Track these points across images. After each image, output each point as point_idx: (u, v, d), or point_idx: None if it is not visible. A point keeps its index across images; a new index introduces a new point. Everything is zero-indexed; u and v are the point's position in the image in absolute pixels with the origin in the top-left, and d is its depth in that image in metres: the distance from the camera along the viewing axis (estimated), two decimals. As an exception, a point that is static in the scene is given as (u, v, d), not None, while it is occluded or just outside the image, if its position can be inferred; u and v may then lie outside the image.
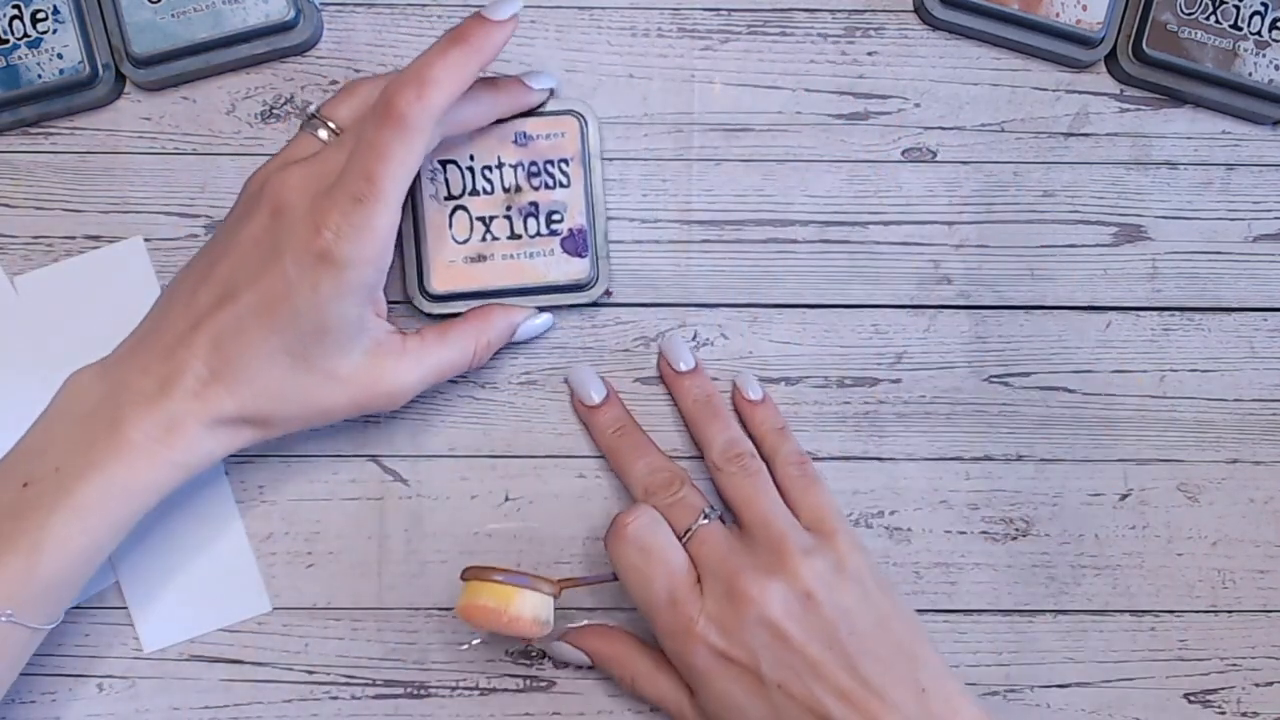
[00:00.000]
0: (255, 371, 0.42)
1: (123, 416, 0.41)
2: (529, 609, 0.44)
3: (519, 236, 0.49)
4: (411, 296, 0.49)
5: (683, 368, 0.49)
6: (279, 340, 0.42)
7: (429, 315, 0.49)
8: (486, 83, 0.47)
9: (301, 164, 0.43)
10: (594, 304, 0.50)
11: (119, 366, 0.43)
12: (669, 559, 0.45)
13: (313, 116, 0.45)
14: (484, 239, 0.49)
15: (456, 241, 0.49)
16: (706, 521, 0.46)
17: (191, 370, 0.42)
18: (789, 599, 0.43)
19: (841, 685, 0.42)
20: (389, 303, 0.47)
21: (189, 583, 0.49)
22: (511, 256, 0.49)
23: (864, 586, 0.44)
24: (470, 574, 0.45)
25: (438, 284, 0.49)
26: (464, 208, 0.49)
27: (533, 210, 0.49)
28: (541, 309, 0.49)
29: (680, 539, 0.45)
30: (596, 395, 0.49)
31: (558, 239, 0.49)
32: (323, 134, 0.44)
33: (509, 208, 0.49)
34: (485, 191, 0.49)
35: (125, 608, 0.49)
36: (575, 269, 0.49)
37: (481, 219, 0.49)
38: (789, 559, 0.44)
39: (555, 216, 0.49)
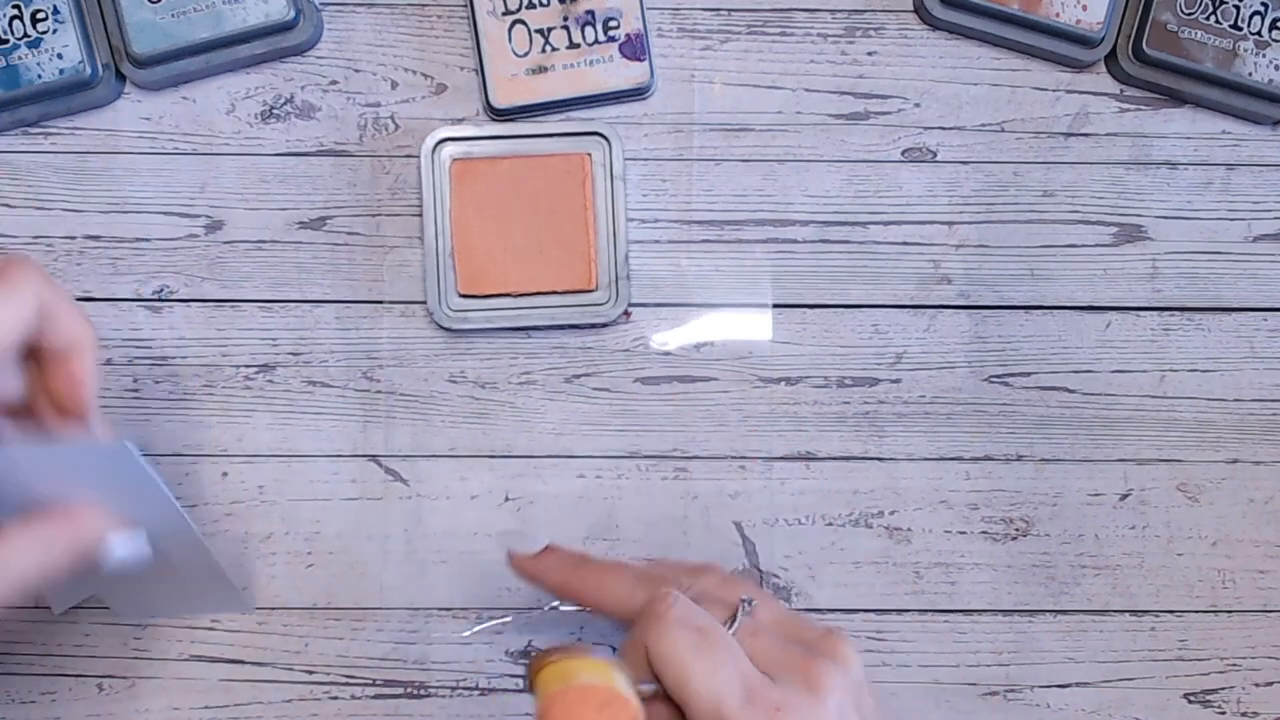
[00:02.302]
0: None
1: None
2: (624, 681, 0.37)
3: (578, 45, 0.50)
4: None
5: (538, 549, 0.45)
6: None
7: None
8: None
9: None
10: (610, 323, 0.50)
11: None
12: (730, 642, 0.39)
13: None
14: (544, 50, 0.49)
15: (516, 55, 0.49)
16: (749, 607, 0.41)
17: None
18: (855, 690, 0.40)
19: None
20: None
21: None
22: (572, 66, 0.50)
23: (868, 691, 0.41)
24: (547, 662, 0.37)
25: (501, 98, 0.50)
26: (522, 21, 0.49)
27: (589, 18, 0.49)
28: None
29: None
30: (537, 546, 0.45)
31: (616, 44, 0.50)
32: None
33: (566, 18, 0.49)
34: (541, 4, 0.49)
35: (125, 608, 0.49)
36: (635, 73, 0.50)
37: (540, 31, 0.49)
38: (841, 646, 0.40)
39: (612, 23, 0.49)
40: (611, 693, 0.34)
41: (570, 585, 0.44)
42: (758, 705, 0.37)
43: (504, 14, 0.50)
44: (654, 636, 0.38)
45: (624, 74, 0.50)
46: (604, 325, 0.50)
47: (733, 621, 0.40)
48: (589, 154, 0.49)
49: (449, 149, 0.50)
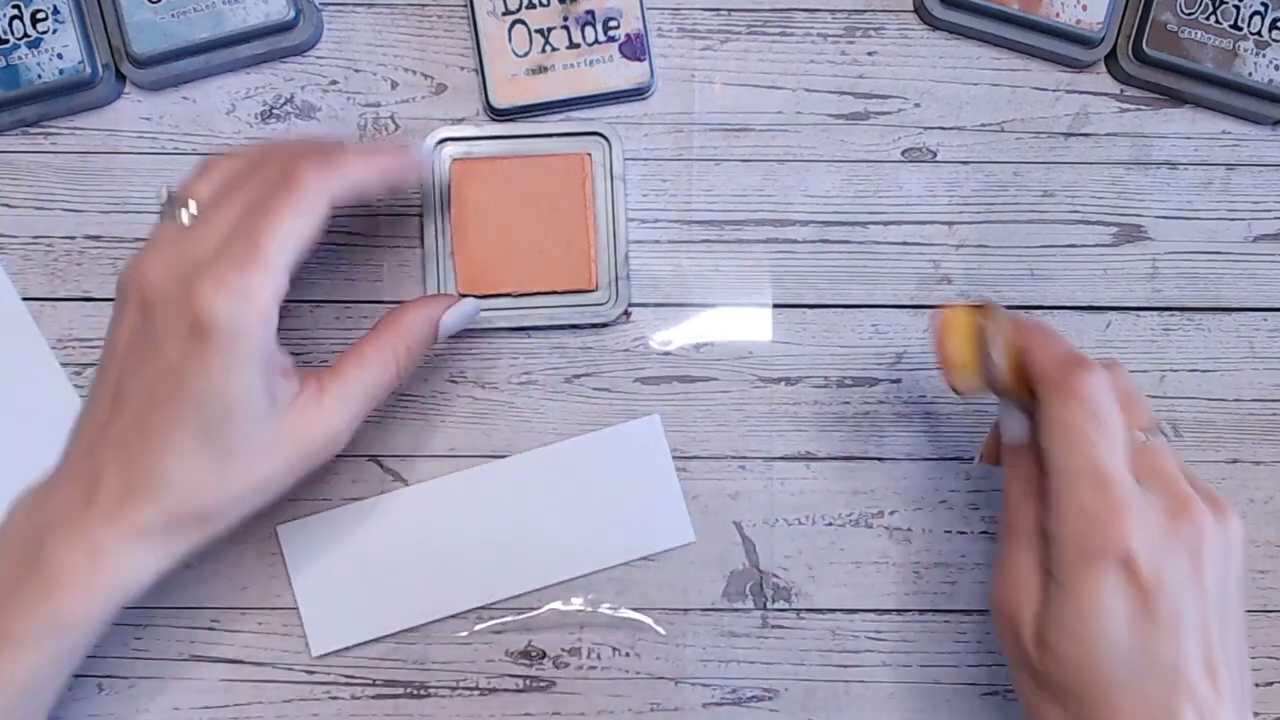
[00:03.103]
0: (171, 471, 0.39)
1: (43, 546, 0.39)
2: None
3: (578, 45, 0.49)
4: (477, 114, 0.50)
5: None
6: (187, 433, 0.39)
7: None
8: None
9: (163, 250, 0.40)
10: (610, 323, 0.50)
11: (44, 490, 0.41)
12: (1120, 440, 0.39)
13: (172, 199, 0.41)
14: (543, 50, 0.49)
15: (516, 55, 0.49)
16: (1164, 437, 0.41)
17: (104, 486, 0.39)
18: (1225, 547, 0.39)
19: (1208, 657, 0.38)
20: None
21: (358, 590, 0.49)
22: (572, 66, 0.50)
23: (1242, 578, 0.41)
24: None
25: (501, 98, 0.50)
26: (522, 21, 0.49)
27: (589, 18, 0.49)
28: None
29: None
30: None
31: (616, 44, 0.50)
32: (184, 217, 0.41)
33: (566, 18, 0.49)
34: (541, 4, 0.49)
35: (125, 608, 0.49)
36: (635, 73, 0.50)
37: (540, 31, 0.49)
38: (1226, 509, 0.40)
39: (612, 23, 0.49)
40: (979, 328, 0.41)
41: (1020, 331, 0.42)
42: (1107, 495, 0.38)
43: (504, 14, 0.50)
44: (1050, 402, 0.39)
45: (624, 74, 0.50)
46: (604, 325, 0.50)
47: (1145, 433, 0.40)
48: (589, 154, 0.49)
49: (449, 149, 0.50)
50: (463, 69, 0.51)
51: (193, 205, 0.41)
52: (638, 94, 0.51)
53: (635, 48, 0.50)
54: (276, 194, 0.39)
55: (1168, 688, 0.38)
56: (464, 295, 0.49)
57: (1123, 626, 0.38)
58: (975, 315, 0.42)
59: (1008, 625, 0.41)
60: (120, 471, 0.39)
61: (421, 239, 0.50)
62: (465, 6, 0.51)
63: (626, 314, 0.51)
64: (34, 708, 0.41)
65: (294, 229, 0.39)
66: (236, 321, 0.38)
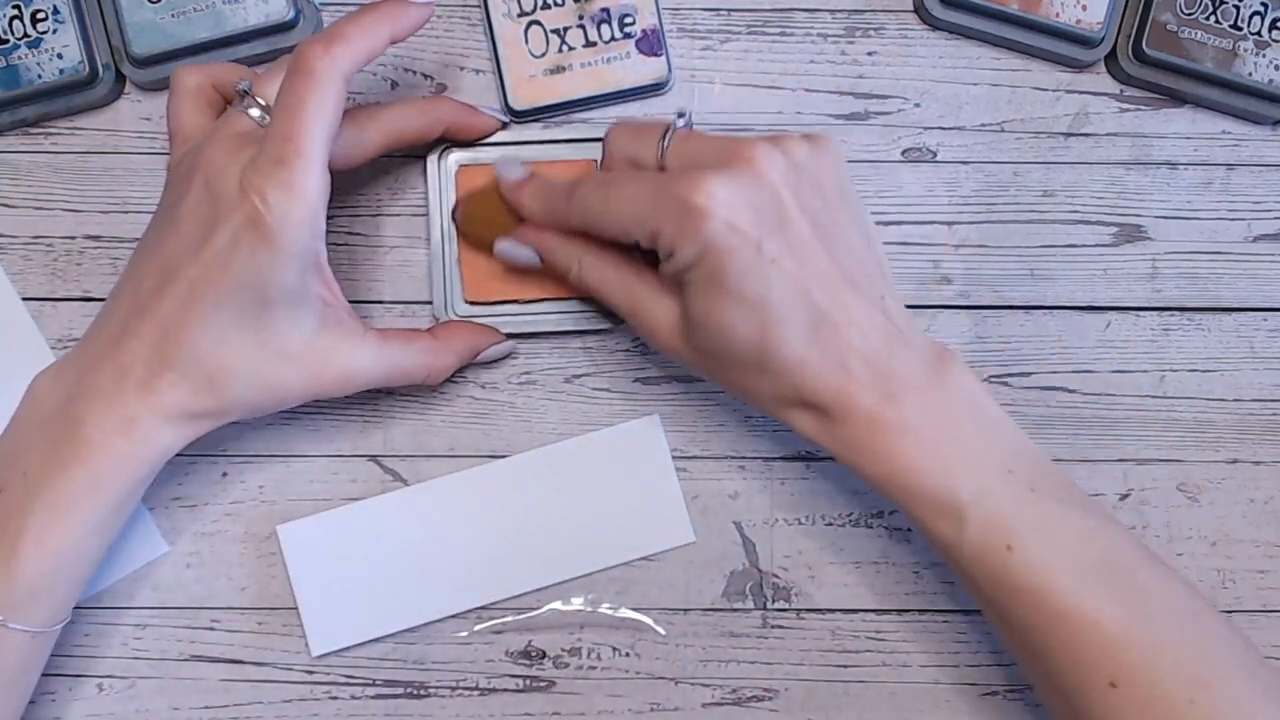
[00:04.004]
0: (205, 352, 0.42)
1: (79, 415, 0.41)
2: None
3: (594, 44, 0.50)
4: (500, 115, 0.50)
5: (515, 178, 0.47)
6: (225, 317, 0.41)
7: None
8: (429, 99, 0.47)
9: (231, 136, 0.42)
10: (612, 328, 0.50)
11: (75, 364, 0.43)
12: (639, 144, 0.43)
13: (244, 95, 0.44)
14: (560, 50, 0.49)
15: (533, 56, 0.49)
16: (681, 121, 0.44)
17: (142, 359, 0.41)
18: (786, 169, 0.41)
19: (822, 268, 0.41)
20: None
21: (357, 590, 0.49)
22: (589, 64, 0.50)
23: (841, 181, 0.43)
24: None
25: (520, 100, 0.50)
26: (537, 22, 0.49)
27: (605, 16, 0.49)
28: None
29: (660, 155, 0.43)
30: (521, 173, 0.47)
31: (632, 41, 0.50)
32: (254, 112, 0.43)
33: (581, 17, 0.49)
34: (556, 4, 0.49)
35: (125, 607, 0.49)
36: (652, 69, 0.50)
37: (556, 31, 0.49)
38: (779, 141, 0.42)
39: (627, 19, 0.49)
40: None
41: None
42: (681, 185, 0.40)
43: (519, 15, 0.50)
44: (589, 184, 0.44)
45: (642, 70, 0.50)
46: (609, 331, 0.50)
47: (665, 137, 0.43)
48: (595, 160, 0.49)
49: (455, 155, 0.49)
50: (463, 69, 0.51)
51: (261, 102, 0.44)
52: (656, 89, 0.51)
53: (652, 43, 0.50)
54: (292, 84, 0.41)
55: (806, 314, 0.40)
56: (472, 302, 0.49)
57: (743, 280, 0.40)
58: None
59: (667, 351, 0.44)
60: (159, 348, 0.41)
61: (427, 242, 0.50)
62: (465, 6, 0.51)
63: None
64: (68, 575, 0.42)
65: (316, 113, 0.41)
66: (283, 220, 0.40)
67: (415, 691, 0.49)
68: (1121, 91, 0.52)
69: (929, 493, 0.41)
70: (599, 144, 0.49)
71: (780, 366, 0.41)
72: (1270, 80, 0.50)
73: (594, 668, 0.50)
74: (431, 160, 0.49)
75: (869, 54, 0.52)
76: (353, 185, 0.51)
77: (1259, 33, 0.50)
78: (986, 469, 0.41)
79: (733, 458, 0.51)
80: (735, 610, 0.50)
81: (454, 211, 0.49)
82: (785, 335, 0.41)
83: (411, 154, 0.50)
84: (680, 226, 0.40)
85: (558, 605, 0.50)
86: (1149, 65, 0.51)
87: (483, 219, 0.48)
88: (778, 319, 0.40)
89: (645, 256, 0.44)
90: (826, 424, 0.42)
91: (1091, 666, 0.38)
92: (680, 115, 0.44)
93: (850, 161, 0.51)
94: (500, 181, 0.47)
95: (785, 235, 0.40)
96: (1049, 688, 0.41)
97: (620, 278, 0.45)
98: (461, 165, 0.49)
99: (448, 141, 0.49)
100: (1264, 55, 0.50)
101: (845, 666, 0.50)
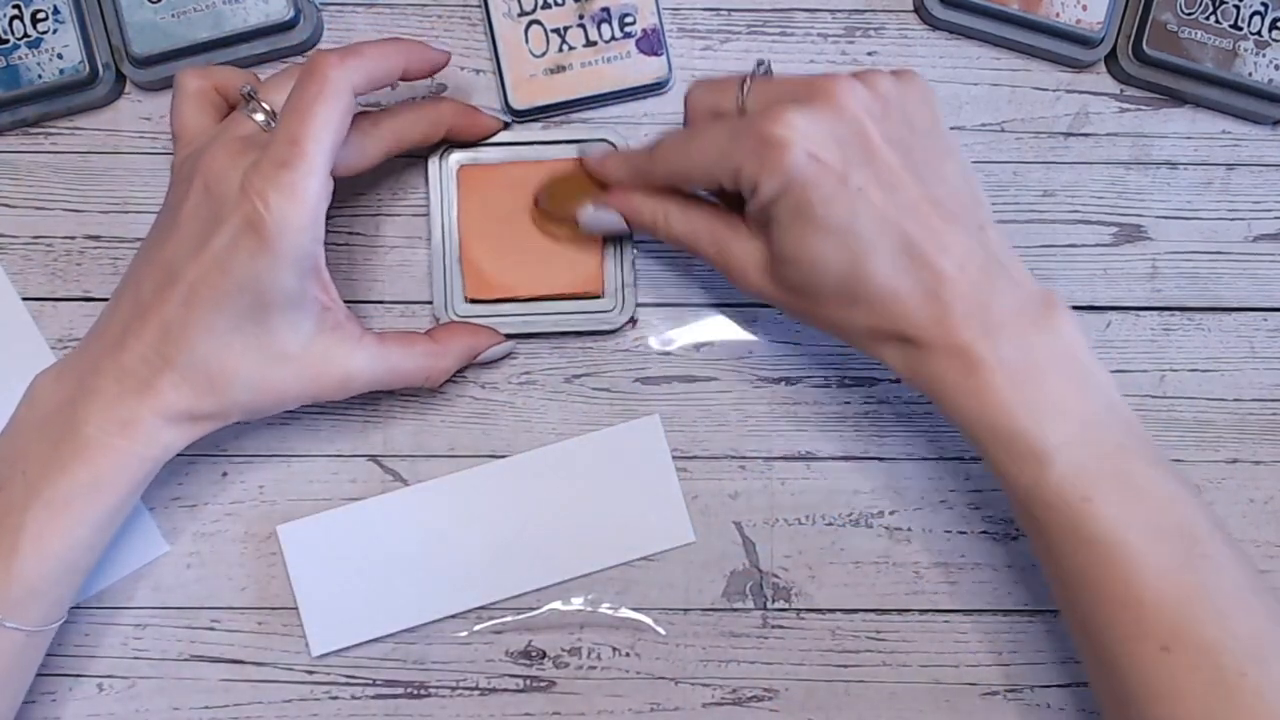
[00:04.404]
0: (206, 354, 0.42)
1: (80, 415, 0.41)
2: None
3: (594, 43, 0.49)
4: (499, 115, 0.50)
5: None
6: (225, 319, 0.41)
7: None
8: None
9: (234, 140, 0.42)
10: (616, 330, 0.50)
11: (76, 364, 0.43)
12: (720, 92, 0.43)
13: (249, 99, 0.44)
14: (560, 50, 0.49)
15: (534, 55, 0.49)
16: (760, 69, 0.43)
17: (143, 360, 0.42)
18: (869, 100, 0.41)
19: (912, 197, 0.40)
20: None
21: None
22: (589, 64, 0.49)
23: (933, 114, 0.43)
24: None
25: (520, 99, 0.50)
26: (538, 22, 0.49)
27: (605, 15, 0.49)
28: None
29: (740, 102, 0.43)
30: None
31: (633, 40, 0.50)
32: (259, 117, 0.44)
33: (581, 16, 0.49)
34: (557, 3, 0.49)
35: (125, 607, 0.49)
36: (652, 68, 0.50)
37: (556, 30, 0.49)
38: (862, 75, 0.42)
39: (628, 19, 0.49)
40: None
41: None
42: (757, 119, 0.40)
43: (520, 15, 0.50)
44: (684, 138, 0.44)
45: (642, 69, 0.50)
46: (611, 332, 0.50)
47: (745, 84, 0.43)
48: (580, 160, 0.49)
49: (456, 155, 0.49)
50: (463, 69, 0.51)
51: (266, 107, 0.44)
52: (656, 89, 0.51)
53: (652, 43, 0.50)
54: (303, 90, 0.41)
55: (897, 243, 0.40)
56: (472, 301, 0.49)
57: (829, 210, 0.40)
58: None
59: (758, 293, 0.44)
60: (160, 349, 0.42)
61: (428, 242, 0.50)
62: (465, 6, 0.51)
63: (633, 321, 0.50)
64: (67, 574, 0.43)
65: (324, 120, 0.41)
66: (284, 223, 0.40)
67: (415, 691, 0.49)
68: (1121, 91, 0.52)
69: (1016, 434, 0.40)
70: (596, 144, 0.49)
71: (871, 297, 0.40)
72: (1270, 80, 0.50)
73: (594, 668, 0.50)
74: (433, 161, 0.49)
75: (869, 54, 0.52)
76: (354, 186, 0.51)
77: (1259, 33, 0.50)
78: (1077, 418, 0.40)
79: (733, 458, 0.51)
80: (735, 610, 0.50)
81: (536, 198, 0.49)
82: (875, 265, 0.40)
83: (412, 155, 0.50)
84: (761, 160, 0.40)
85: (558, 605, 0.50)
86: (1149, 65, 0.51)
87: (562, 196, 0.48)
88: (867, 248, 0.40)
89: (731, 205, 0.44)
90: (918, 357, 0.41)
91: (1148, 628, 0.38)
92: (760, 64, 0.44)
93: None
94: (585, 163, 0.48)
95: (872, 165, 0.40)
96: (1092, 643, 0.40)
97: (706, 224, 0.44)
98: (462, 165, 0.49)
99: (449, 142, 0.49)
100: (1264, 55, 0.50)
101: (845, 666, 0.50)
